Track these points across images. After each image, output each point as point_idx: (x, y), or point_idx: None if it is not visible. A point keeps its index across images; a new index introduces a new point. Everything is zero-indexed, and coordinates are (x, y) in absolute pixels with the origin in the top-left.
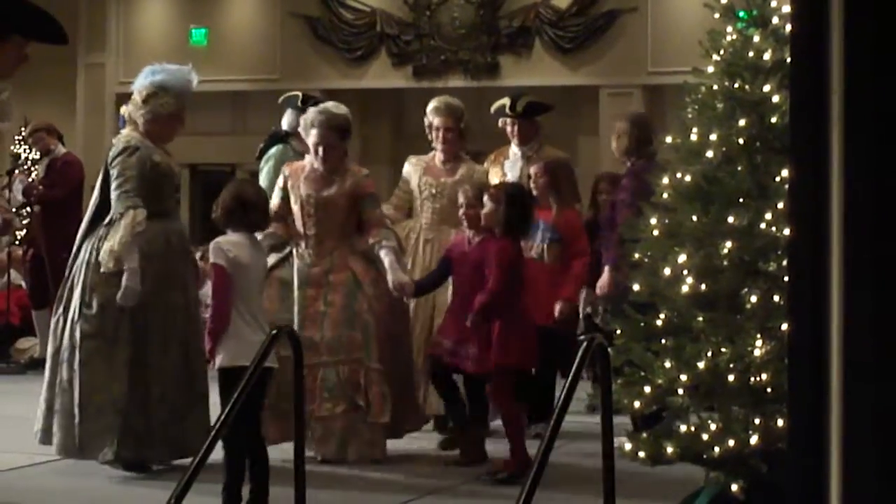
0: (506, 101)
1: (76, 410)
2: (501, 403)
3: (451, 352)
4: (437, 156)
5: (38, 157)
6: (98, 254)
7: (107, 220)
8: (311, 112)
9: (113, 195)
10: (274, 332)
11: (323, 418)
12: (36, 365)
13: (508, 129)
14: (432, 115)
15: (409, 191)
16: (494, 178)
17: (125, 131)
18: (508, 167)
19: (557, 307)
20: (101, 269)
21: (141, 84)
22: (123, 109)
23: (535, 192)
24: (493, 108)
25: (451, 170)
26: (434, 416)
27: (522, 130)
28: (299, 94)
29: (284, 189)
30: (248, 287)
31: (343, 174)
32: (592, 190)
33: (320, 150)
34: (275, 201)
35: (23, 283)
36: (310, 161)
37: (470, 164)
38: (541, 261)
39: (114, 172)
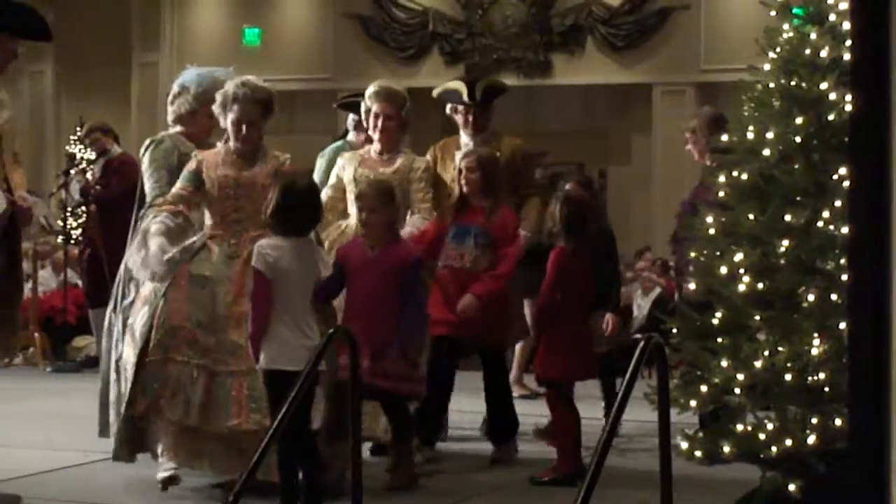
0: (459, 85)
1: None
2: (551, 413)
3: (371, 372)
4: (374, 146)
5: (93, 157)
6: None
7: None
8: (231, 85)
9: (146, 189)
10: (331, 332)
11: (250, 432)
12: (92, 363)
13: (461, 117)
14: (371, 101)
15: (342, 188)
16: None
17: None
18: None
19: (460, 304)
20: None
21: (173, 86)
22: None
23: (464, 189)
24: (437, 93)
25: (389, 161)
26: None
27: (479, 119)
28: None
29: (197, 174)
30: (289, 291)
31: (265, 156)
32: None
33: (243, 127)
34: (182, 187)
35: (79, 282)
36: (225, 145)
37: (409, 156)
38: (474, 270)
39: (142, 168)
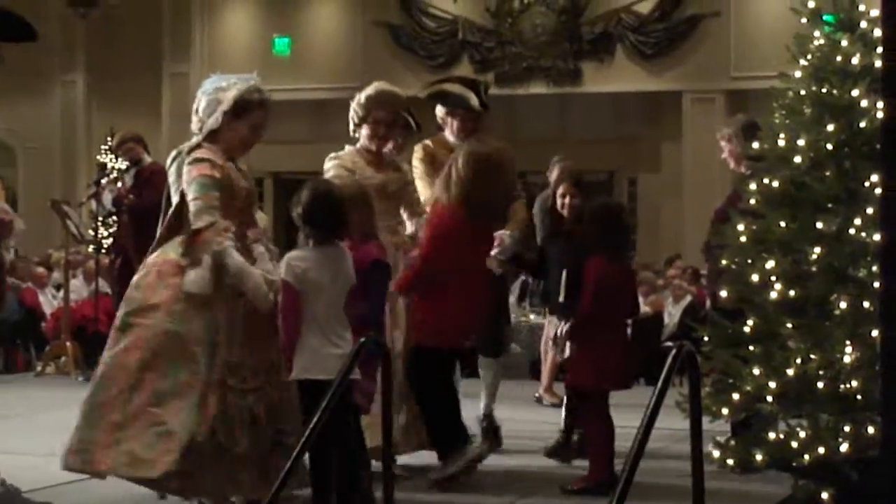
0: (461, 90)
1: None
2: (583, 423)
3: None
4: (368, 152)
5: (125, 166)
6: None
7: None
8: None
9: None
10: (362, 340)
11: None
12: None
13: (457, 122)
14: (370, 106)
15: None
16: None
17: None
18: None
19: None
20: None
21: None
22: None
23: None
24: (430, 93)
25: (385, 166)
26: None
27: (477, 124)
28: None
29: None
30: (318, 302)
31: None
32: None
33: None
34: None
35: (110, 291)
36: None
37: (398, 160)
38: None
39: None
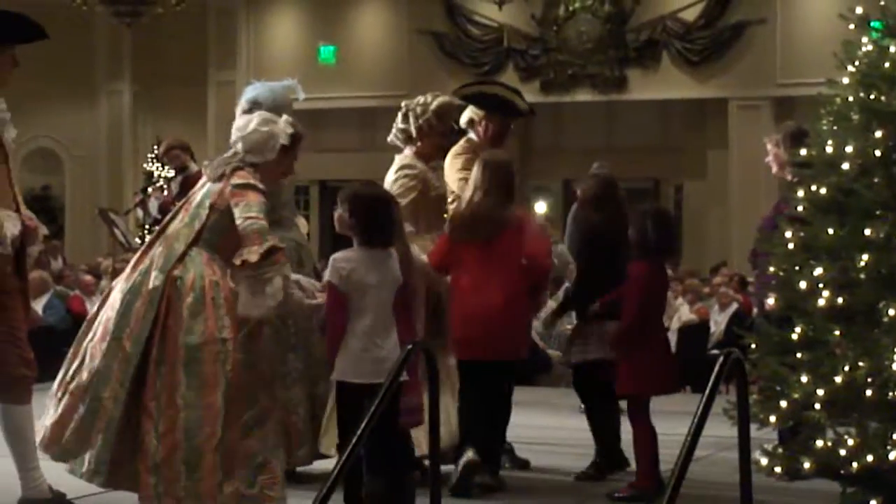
0: (508, 94)
1: None
2: (632, 427)
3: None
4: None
5: (172, 174)
6: None
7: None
8: None
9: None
10: (409, 346)
11: None
12: None
13: (495, 127)
14: (445, 118)
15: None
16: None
17: None
18: None
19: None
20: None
21: (241, 101)
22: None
23: None
24: (463, 94)
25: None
26: None
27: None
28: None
29: None
30: (363, 304)
31: None
32: None
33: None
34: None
35: None
36: None
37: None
38: None
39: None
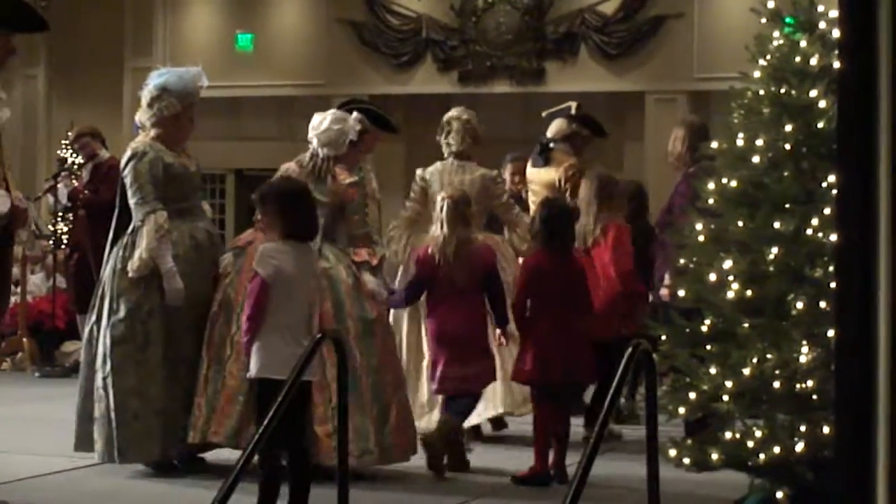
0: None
1: (112, 416)
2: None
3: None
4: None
5: (82, 161)
6: (123, 262)
7: (130, 228)
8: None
9: (131, 204)
10: (318, 336)
11: None
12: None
13: (573, 142)
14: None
15: None
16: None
17: (138, 138)
18: None
19: None
20: (130, 275)
21: (147, 88)
22: (137, 116)
23: None
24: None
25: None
26: None
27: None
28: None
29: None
30: (288, 298)
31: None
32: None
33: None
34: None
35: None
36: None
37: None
38: None
39: (127, 182)
